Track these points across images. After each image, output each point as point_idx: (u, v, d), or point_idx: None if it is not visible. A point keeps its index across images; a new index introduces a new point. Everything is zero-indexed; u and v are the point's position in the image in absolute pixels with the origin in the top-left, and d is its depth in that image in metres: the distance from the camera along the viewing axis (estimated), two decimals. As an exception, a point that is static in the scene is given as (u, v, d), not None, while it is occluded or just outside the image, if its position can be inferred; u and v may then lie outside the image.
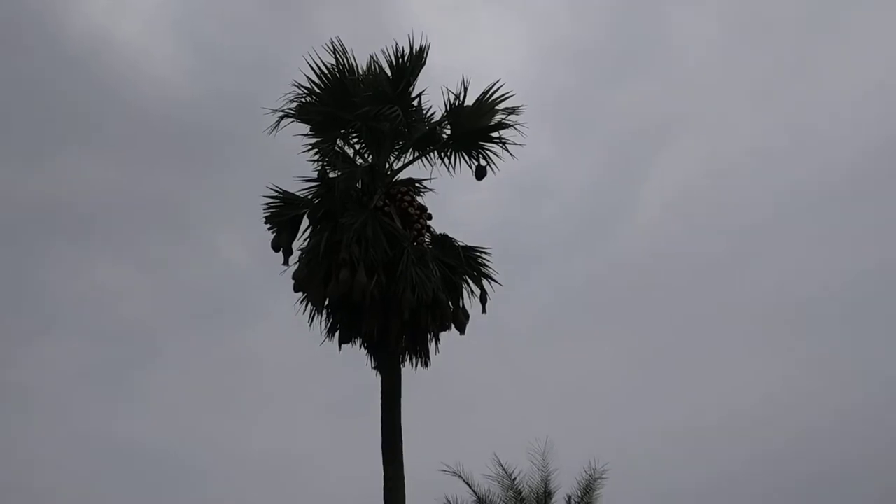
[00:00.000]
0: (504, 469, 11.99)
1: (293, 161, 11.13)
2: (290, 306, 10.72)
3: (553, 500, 11.78)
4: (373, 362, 10.98)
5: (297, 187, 11.14)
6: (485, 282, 11.11)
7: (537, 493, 11.74)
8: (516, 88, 10.93)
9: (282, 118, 11.25)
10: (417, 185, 11.68)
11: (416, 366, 10.81)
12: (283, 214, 11.04)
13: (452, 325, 10.77)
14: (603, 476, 11.71)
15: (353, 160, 11.15)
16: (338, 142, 11.53)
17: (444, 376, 11.39)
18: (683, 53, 31.38)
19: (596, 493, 11.69)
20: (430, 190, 11.71)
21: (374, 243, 10.18)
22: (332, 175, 10.62)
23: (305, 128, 11.45)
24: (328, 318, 10.94)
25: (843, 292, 27.50)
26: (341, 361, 10.72)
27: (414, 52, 10.70)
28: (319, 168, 10.78)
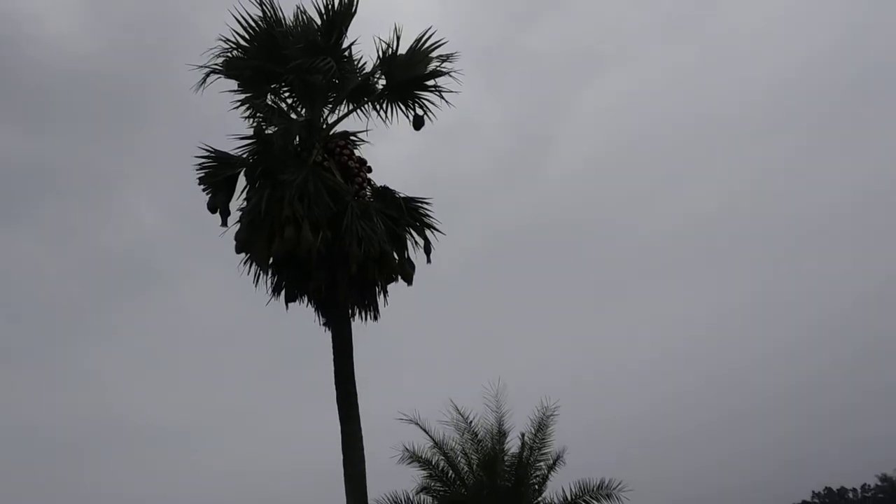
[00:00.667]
0: (460, 413, 12.25)
1: (214, 119, 10.78)
2: (218, 269, 10.53)
3: (508, 438, 12.15)
4: (321, 319, 10.95)
5: (229, 146, 10.84)
6: (428, 232, 11.15)
7: (492, 433, 12.09)
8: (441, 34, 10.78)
9: (208, 74, 10.86)
10: (353, 137, 11.54)
11: (366, 319, 10.82)
12: (217, 174, 10.73)
13: (399, 277, 10.80)
14: (555, 413, 12.14)
15: (287, 115, 10.87)
16: (268, 97, 11.25)
17: (395, 328, 11.45)
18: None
19: (549, 429, 12.11)
20: (367, 142, 11.59)
21: (316, 199, 10.04)
22: (268, 131, 10.33)
23: (231, 84, 11.10)
24: (273, 277, 10.79)
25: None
26: (281, 319, 10.64)
27: (344, 1, 10.43)
28: (255, 125, 10.48)
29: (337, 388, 10.39)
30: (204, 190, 10.84)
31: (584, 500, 11.99)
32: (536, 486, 12.10)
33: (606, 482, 12.01)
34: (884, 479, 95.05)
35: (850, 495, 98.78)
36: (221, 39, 10.51)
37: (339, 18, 10.52)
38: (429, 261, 11.10)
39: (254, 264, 10.56)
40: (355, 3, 10.51)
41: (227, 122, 11.00)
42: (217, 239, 10.45)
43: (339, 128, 11.33)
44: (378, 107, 11.39)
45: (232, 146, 10.78)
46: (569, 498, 12.02)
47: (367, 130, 11.35)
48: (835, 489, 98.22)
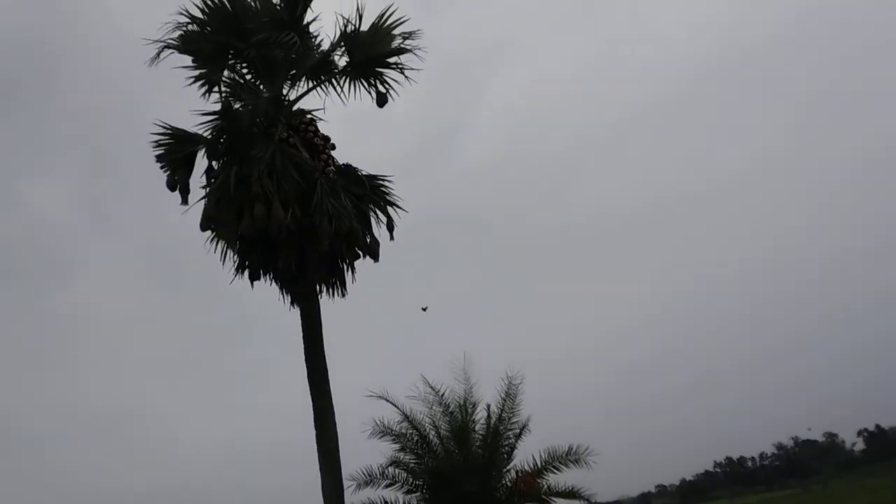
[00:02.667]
0: (431, 386, 12.41)
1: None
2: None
3: (477, 410, 12.40)
4: (285, 298, 10.89)
5: (183, 122, 10.63)
6: (391, 209, 11.22)
7: (461, 405, 12.31)
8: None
9: (162, 49, 10.56)
10: (309, 115, 11.45)
11: (334, 296, 10.84)
12: (176, 151, 10.52)
13: (366, 254, 10.85)
14: (520, 382, 12.47)
15: (256, 91, 10.71)
16: (225, 73, 11.03)
17: (363, 304, 11.50)
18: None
19: (517, 398, 12.43)
20: (324, 120, 11.53)
21: (285, 175, 9.99)
22: (236, 107, 10.16)
23: (182, 59, 10.83)
24: (235, 256, 10.65)
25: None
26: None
27: (308, -25, 10.34)
28: (222, 100, 10.26)
29: (307, 365, 10.38)
30: (161, 168, 10.59)
31: (554, 466, 12.42)
32: (506, 455, 12.42)
33: (574, 448, 12.47)
34: (780, 447, 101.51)
35: (749, 464, 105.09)
36: (183, 13, 10.22)
37: (304, -7, 10.41)
38: (392, 237, 11.19)
39: (219, 242, 10.41)
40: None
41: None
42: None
43: (298, 105, 11.25)
44: (338, 84, 11.35)
45: (187, 123, 10.59)
46: (538, 465, 12.42)
47: (321, 108, 11.32)
48: (735, 458, 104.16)
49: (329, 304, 10.80)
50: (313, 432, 10.20)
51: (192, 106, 10.54)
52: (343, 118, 11.38)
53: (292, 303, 10.71)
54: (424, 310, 12.28)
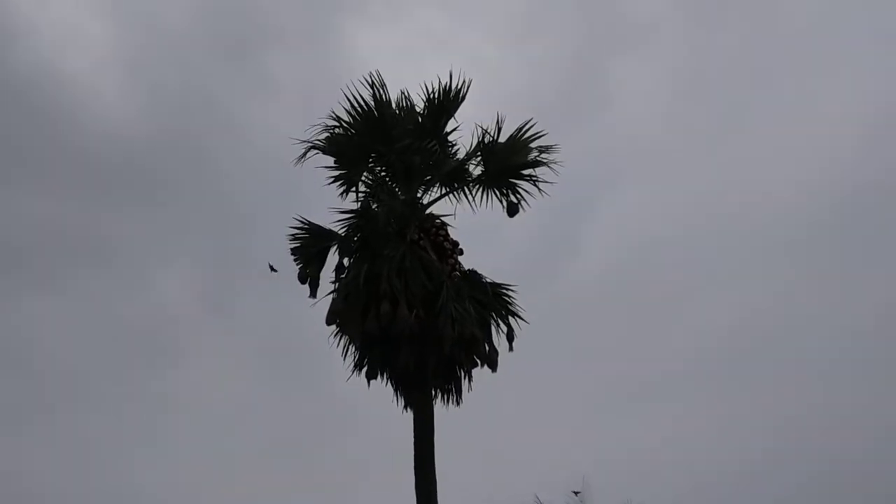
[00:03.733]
0: (544, 509, 11.74)
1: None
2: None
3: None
4: (399, 399, 10.77)
5: (321, 219, 11.04)
6: (511, 319, 11.06)
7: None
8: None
9: (309, 149, 11.14)
10: (439, 219, 11.63)
11: (449, 403, 10.63)
12: (310, 245, 10.88)
13: (484, 363, 10.64)
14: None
15: (394, 193, 11.05)
16: (364, 175, 11.47)
17: (476, 415, 11.18)
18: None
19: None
20: (452, 227, 11.67)
21: (413, 276, 10.06)
22: (374, 207, 10.49)
23: (325, 160, 11.34)
24: (356, 352, 10.69)
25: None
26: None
27: (453, 88, 10.76)
28: (361, 200, 10.66)
29: (416, 473, 10.07)
30: (295, 261, 10.94)
31: None
32: None
33: None
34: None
35: None
36: (332, 117, 10.80)
37: (448, 103, 10.81)
38: (511, 348, 10.96)
39: (342, 338, 10.50)
40: (464, 90, 10.82)
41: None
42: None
43: (430, 209, 11.49)
44: (470, 192, 11.55)
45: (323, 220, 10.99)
46: None
47: (451, 214, 11.48)
48: None
49: (442, 413, 10.59)
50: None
51: (330, 204, 11.02)
52: (473, 226, 11.47)
53: (406, 406, 10.57)
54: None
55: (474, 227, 11.65)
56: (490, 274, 11.09)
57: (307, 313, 10.66)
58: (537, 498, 11.89)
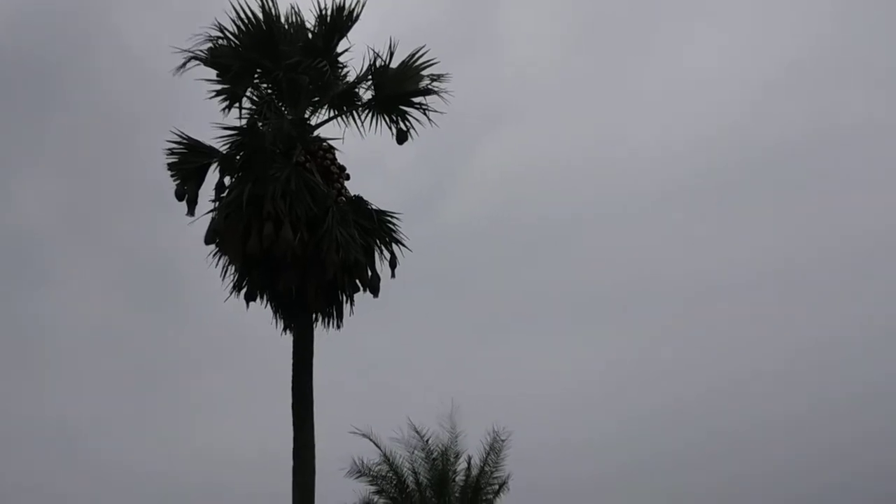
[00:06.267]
0: (417, 431, 12.13)
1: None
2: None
3: (459, 460, 12.11)
4: (278, 322, 10.70)
5: (203, 135, 10.57)
6: (395, 246, 11.12)
7: (443, 453, 12.01)
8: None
9: (189, 59, 10.57)
10: (326, 143, 11.42)
11: (329, 327, 10.65)
12: (189, 162, 10.43)
13: (367, 288, 10.70)
14: (507, 438, 12.19)
15: (281, 112, 10.67)
16: (248, 91, 11.03)
17: (356, 338, 11.29)
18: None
19: (501, 453, 12.17)
20: (339, 151, 11.49)
21: (298, 199, 9.87)
22: (260, 126, 10.12)
23: (207, 73, 10.82)
24: (235, 273, 10.47)
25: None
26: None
27: (346, 6, 10.44)
28: (248, 117, 10.24)
29: (294, 395, 10.12)
30: (172, 177, 10.48)
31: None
32: (485, 510, 12.12)
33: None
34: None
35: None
36: (216, 27, 10.23)
37: (340, 22, 10.49)
38: (393, 275, 11.06)
39: (221, 258, 10.24)
40: (358, 10, 10.52)
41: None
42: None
43: (318, 132, 11.24)
44: (360, 116, 11.37)
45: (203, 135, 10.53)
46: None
47: (339, 138, 11.30)
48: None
49: (322, 336, 10.61)
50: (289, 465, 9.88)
51: (213, 120, 10.53)
52: (360, 152, 11.34)
53: (285, 328, 10.52)
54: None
55: (362, 153, 11.52)
56: (375, 201, 11.06)
57: (184, 232, 10.31)
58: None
